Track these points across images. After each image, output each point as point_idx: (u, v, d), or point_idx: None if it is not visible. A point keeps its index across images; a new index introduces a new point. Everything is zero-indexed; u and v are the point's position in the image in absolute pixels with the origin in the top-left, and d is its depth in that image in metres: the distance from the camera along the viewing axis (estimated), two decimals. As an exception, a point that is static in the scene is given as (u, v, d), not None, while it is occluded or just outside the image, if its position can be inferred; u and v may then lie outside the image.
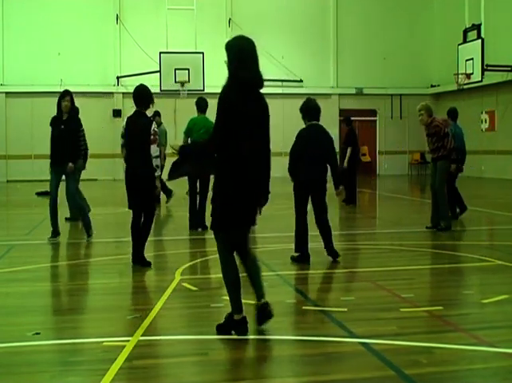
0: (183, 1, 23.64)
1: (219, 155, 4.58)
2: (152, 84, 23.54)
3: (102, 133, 23.42)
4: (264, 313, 4.68)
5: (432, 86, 27.40)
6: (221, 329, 4.66)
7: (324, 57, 26.62)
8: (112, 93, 25.12)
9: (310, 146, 7.47)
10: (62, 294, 6.37)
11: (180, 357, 4.29)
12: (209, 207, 4.95)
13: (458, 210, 11.37)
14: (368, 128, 27.40)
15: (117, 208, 14.08)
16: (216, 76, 24.72)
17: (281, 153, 16.63)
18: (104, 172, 23.74)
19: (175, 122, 23.96)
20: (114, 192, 18.47)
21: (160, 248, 8.86)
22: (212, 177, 4.97)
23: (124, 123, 7.44)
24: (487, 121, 24.03)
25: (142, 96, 7.48)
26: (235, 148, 4.52)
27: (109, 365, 3.98)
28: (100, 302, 6.01)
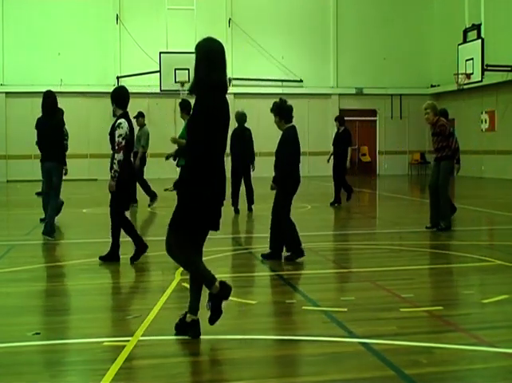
0: (183, 1, 23.66)
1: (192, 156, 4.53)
2: (152, 84, 23.80)
3: (102, 133, 23.34)
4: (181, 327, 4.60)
5: (432, 86, 27.41)
6: (177, 329, 4.61)
7: (324, 57, 26.62)
8: (112, 93, 25.11)
9: (298, 147, 7.74)
10: (62, 294, 6.37)
11: (180, 357, 4.29)
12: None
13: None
14: (368, 128, 27.41)
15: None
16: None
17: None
18: (104, 172, 23.67)
19: (175, 122, 23.99)
20: (114, 192, 18.45)
21: (160, 248, 8.83)
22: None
23: (127, 125, 7.38)
24: (487, 121, 24.03)
25: (127, 97, 7.56)
26: (213, 151, 4.48)
27: (109, 365, 3.98)
28: (100, 302, 6.01)
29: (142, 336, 4.61)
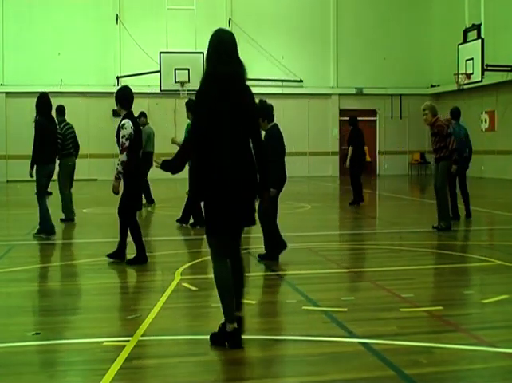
0: (183, 1, 23.65)
1: (195, 157, 4.39)
2: (152, 84, 23.80)
3: (102, 133, 23.41)
4: (234, 338, 4.35)
5: (432, 86, 27.40)
6: (214, 338, 4.42)
7: (324, 57, 26.61)
8: (112, 93, 24.96)
9: (283, 144, 7.66)
10: (62, 294, 6.36)
11: (180, 357, 4.29)
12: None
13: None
14: (368, 128, 27.36)
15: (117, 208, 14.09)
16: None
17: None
18: (104, 172, 23.71)
19: (175, 122, 24.01)
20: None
21: (160, 248, 8.85)
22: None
23: (132, 125, 7.34)
24: (487, 121, 24.03)
25: (131, 97, 7.52)
26: (214, 148, 4.29)
27: (109, 365, 3.98)
28: (100, 302, 6.01)
29: (142, 336, 4.61)
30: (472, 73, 21.86)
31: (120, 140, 7.26)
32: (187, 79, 22.58)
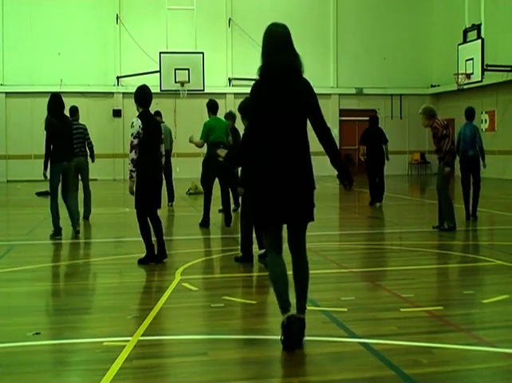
0: (183, 1, 23.66)
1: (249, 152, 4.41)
2: (152, 84, 23.77)
3: (102, 133, 23.43)
4: (289, 329, 4.26)
5: (432, 86, 27.40)
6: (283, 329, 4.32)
7: (324, 57, 26.62)
8: (112, 93, 25.12)
9: None
10: (62, 293, 6.37)
11: (180, 357, 4.29)
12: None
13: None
14: (368, 128, 27.38)
15: (117, 208, 14.10)
16: (216, 77, 24.89)
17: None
18: (104, 172, 23.73)
19: (175, 122, 23.99)
20: (114, 192, 18.49)
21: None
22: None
23: (140, 123, 7.34)
24: (487, 121, 24.03)
25: (149, 96, 7.54)
26: (265, 137, 4.30)
27: (109, 365, 3.98)
28: (100, 301, 6.01)
29: (142, 336, 4.61)
30: (472, 73, 21.87)
31: (129, 138, 7.31)
32: (186, 79, 22.58)
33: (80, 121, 12.08)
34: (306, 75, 4.50)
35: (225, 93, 24.93)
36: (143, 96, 7.47)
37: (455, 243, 9.22)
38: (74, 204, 10.14)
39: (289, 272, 4.46)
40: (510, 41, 22.10)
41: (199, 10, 23.75)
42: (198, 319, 5.26)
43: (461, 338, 4.57)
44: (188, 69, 22.63)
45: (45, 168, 9.66)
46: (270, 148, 4.28)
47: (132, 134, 7.30)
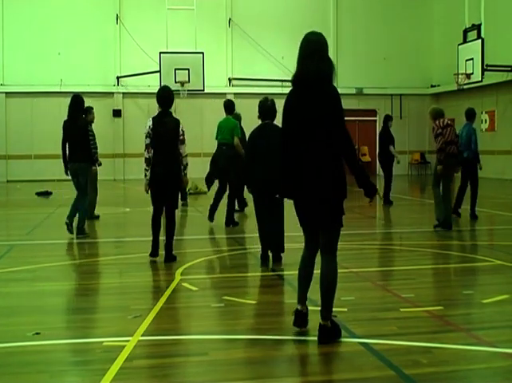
0: (183, 1, 23.65)
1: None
2: (152, 84, 23.80)
3: (102, 133, 23.32)
4: (321, 333, 4.45)
5: (432, 86, 27.40)
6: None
7: (325, 57, 26.59)
8: (112, 93, 25.12)
9: (260, 145, 7.38)
10: (62, 294, 6.36)
11: (180, 357, 4.29)
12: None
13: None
14: (368, 128, 27.40)
15: (117, 208, 14.11)
16: (216, 77, 24.89)
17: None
18: (104, 172, 23.63)
19: (175, 122, 23.98)
20: (114, 192, 18.49)
21: (160, 248, 8.84)
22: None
23: (150, 123, 7.48)
24: (487, 121, 24.03)
25: (166, 97, 7.63)
26: (291, 144, 4.46)
27: (109, 365, 3.98)
28: (100, 302, 6.01)
29: (142, 336, 4.61)
30: (472, 73, 21.87)
31: None
32: (186, 79, 22.57)
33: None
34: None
35: (225, 93, 24.92)
36: (157, 96, 7.67)
37: (455, 243, 9.23)
38: (82, 204, 9.91)
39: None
40: (510, 41, 22.09)
41: (199, 10, 23.74)
42: (198, 319, 5.25)
43: (461, 338, 4.57)
44: (188, 69, 22.63)
45: (65, 168, 9.84)
46: (300, 153, 4.40)
47: (144, 134, 7.53)
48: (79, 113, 9.96)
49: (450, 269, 7.51)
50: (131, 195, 18.69)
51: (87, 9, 24.86)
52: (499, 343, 4.42)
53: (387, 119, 14.75)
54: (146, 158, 7.46)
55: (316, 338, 4.45)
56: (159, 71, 22.68)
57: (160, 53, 22.76)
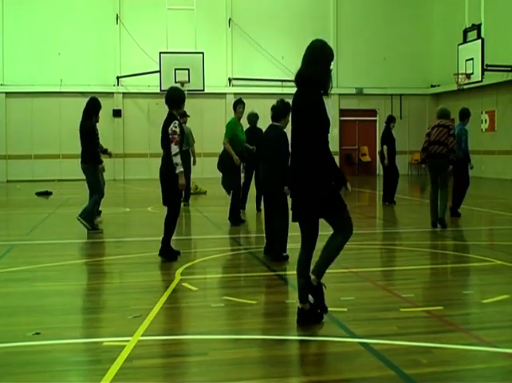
0: (183, 1, 23.66)
1: None
2: (152, 84, 23.81)
3: (102, 133, 23.28)
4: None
5: (432, 86, 27.40)
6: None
7: (325, 57, 26.59)
8: (112, 93, 25.11)
9: (264, 147, 7.79)
10: (62, 294, 6.36)
11: (180, 357, 4.29)
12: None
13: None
14: (368, 128, 27.40)
15: (117, 208, 14.10)
16: (216, 77, 24.89)
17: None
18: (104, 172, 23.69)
19: (175, 122, 23.98)
20: (114, 192, 18.49)
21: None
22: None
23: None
24: (487, 121, 24.03)
25: (166, 97, 7.76)
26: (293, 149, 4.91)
27: (109, 365, 3.98)
28: (100, 302, 6.01)
29: (142, 336, 4.61)
30: (472, 73, 21.87)
31: None
32: (186, 79, 22.57)
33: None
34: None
35: (225, 93, 24.94)
36: (167, 98, 7.75)
37: (455, 243, 9.23)
38: (91, 203, 10.24)
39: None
40: (510, 41, 22.09)
41: (199, 10, 23.75)
42: (198, 319, 5.25)
43: (461, 338, 4.57)
44: (188, 69, 22.63)
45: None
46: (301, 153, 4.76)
47: None
48: (87, 116, 10.45)
49: (450, 269, 7.51)
50: (131, 195, 18.69)
51: (87, 10, 24.85)
52: (499, 343, 4.42)
53: (390, 120, 14.77)
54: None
55: (316, 338, 4.45)
56: (159, 71, 22.68)
57: (160, 53, 22.77)
